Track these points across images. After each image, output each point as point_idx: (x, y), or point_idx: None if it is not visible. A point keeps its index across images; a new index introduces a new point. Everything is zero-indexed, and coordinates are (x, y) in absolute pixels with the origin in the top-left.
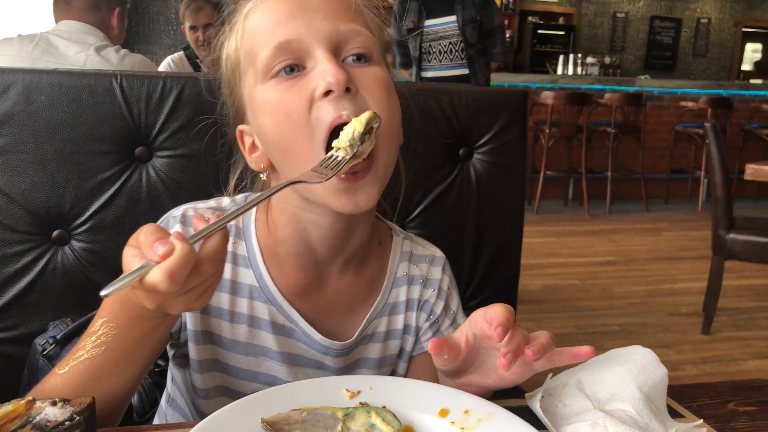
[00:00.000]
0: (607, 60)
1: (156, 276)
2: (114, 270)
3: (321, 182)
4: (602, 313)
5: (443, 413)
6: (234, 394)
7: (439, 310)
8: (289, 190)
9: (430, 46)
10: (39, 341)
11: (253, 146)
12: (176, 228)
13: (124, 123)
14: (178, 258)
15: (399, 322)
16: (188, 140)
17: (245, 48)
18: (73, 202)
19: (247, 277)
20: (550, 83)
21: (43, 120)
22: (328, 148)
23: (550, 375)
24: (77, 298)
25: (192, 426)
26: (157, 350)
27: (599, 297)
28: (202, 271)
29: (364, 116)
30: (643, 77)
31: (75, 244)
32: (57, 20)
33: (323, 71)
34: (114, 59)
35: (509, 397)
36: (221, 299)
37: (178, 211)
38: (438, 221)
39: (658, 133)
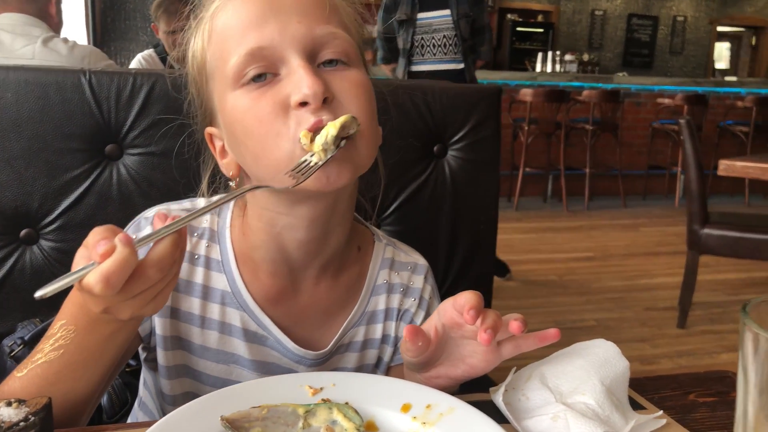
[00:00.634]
0: (586, 57)
1: (91, 279)
2: None
3: (288, 188)
4: (580, 309)
5: (405, 408)
6: None
7: (419, 320)
8: (265, 194)
9: (423, 38)
10: (7, 342)
11: (224, 151)
12: (147, 230)
13: (93, 120)
14: (114, 261)
15: (377, 331)
16: (159, 138)
17: (213, 50)
18: (41, 200)
19: (219, 282)
20: (529, 80)
21: (10, 117)
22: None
23: (514, 369)
24: (46, 299)
25: (150, 425)
26: (120, 354)
27: (577, 292)
28: (146, 276)
29: (339, 120)
30: (620, 74)
31: (44, 243)
32: None
33: (298, 81)
34: (63, 50)
35: (474, 391)
36: (192, 304)
37: (150, 212)
38: (413, 218)
39: (636, 129)
